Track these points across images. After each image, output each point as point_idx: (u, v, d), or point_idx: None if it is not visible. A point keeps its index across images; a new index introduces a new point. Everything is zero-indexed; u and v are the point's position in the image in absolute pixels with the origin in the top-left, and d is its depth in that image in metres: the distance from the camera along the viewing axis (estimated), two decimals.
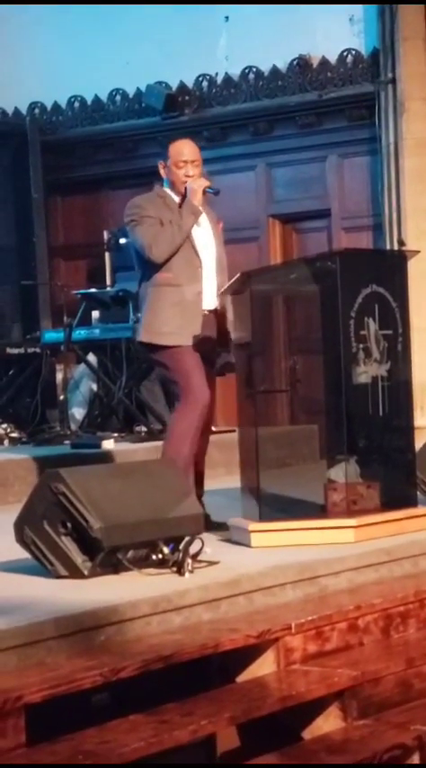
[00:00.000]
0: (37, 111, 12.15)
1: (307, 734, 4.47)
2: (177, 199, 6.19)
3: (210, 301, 6.20)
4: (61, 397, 9.78)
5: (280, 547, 5.50)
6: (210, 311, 6.19)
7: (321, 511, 5.84)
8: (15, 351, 9.81)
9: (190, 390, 6.09)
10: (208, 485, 6.79)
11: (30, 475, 7.61)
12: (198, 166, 6.23)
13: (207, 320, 6.16)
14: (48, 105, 12.14)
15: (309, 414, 7.84)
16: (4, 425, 9.43)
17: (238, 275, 5.78)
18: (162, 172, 6.28)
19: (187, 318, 6.10)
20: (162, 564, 5.03)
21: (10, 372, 9.73)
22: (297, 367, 7.56)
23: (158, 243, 6.08)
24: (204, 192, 6.17)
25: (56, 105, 12.13)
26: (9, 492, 7.45)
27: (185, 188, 6.15)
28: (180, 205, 6.14)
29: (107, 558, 4.94)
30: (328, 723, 4.46)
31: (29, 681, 3.90)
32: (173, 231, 6.08)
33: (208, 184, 6.20)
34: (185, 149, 6.25)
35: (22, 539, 5.06)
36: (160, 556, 5.05)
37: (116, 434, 9.09)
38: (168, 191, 6.25)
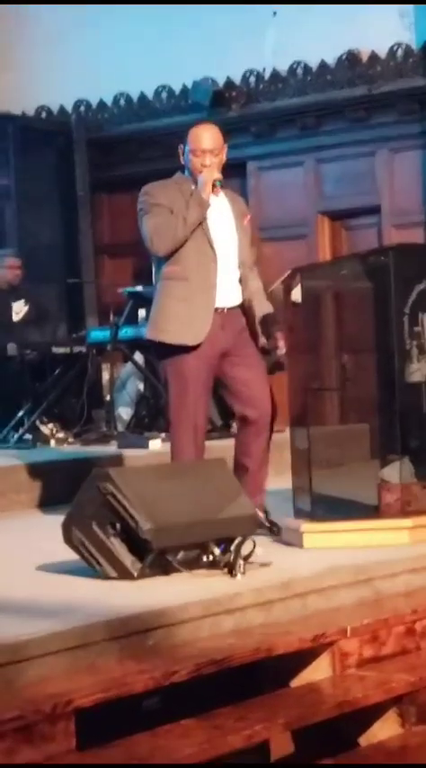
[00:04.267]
0: (82, 108, 12.09)
1: (364, 740, 4.36)
2: (192, 187, 5.85)
3: (227, 298, 5.87)
4: (107, 397, 9.70)
5: (333, 548, 5.39)
6: (229, 309, 5.88)
7: (374, 512, 5.72)
8: (61, 350, 9.71)
9: (176, 413, 5.83)
10: None
11: (76, 475, 7.51)
12: (217, 155, 5.85)
13: (225, 318, 5.85)
14: (94, 103, 12.09)
15: (361, 413, 7.71)
16: (50, 425, 9.36)
17: (288, 272, 5.65)
18: (181, 158, 5.92)
19: (194, 315, 5.78)
20: (213, 565, 4.92)
21: (56, 372, 9.64)
22: (348, 365, 7.42)
23: (160, 235, 5.77)
24: (214, 185, 5.82)
25: (101, 103, 12.07)
26: (55, 492, 7.37)
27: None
28: (191, 195, 5.81)
29: (157, 560, 4.84)
30: (385, 729, 4.35)
31: (79, 684, 3.81)
32: (177, 224, 5.74)
33: (218, 177, 5.83)
34: (205, 137, 5.86)
35: (70, 540, 4.97)
36: (211, 557, 4.94)
37: (163, 434, 8.98)
38: (187, 177, 5.90)
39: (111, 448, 8.71)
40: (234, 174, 10.37)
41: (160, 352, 5.98)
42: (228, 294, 5.89)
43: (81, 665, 3.97)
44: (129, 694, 3.84)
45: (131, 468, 5.46)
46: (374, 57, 10.70)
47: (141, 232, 5.90)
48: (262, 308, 5.97)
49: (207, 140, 5.86)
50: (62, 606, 4.36)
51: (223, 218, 5.95)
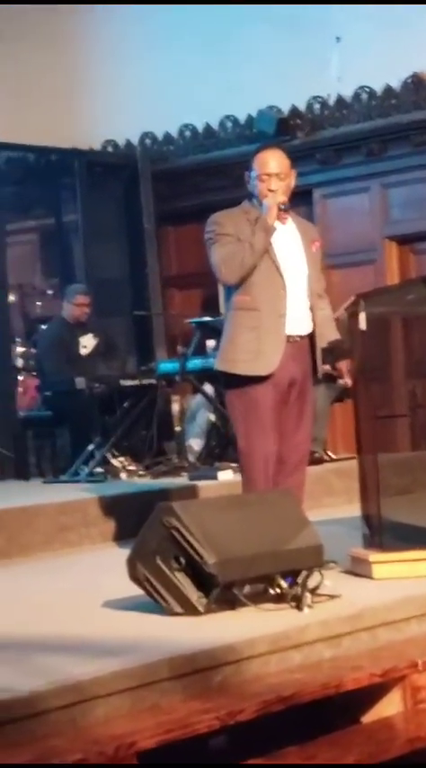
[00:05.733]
0: (148, 141, 12.10)
1: None
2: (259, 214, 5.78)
3: (298, 326, 5.80)
4: (178, 429, 9.65)
5: (404, 578, 5.27)
6: (301, 337, 5.82)
7: None
8: (130, 383, 9.67)
9: (246, 444, 5.77)
10: (328, 514, 6.60)
11: (146, 508, 7.45)
12: (283, 180, 5.78)
13: (295, 348, 5.79)
14: (159, 135, 12.09)
15: None
16: (121, 458, 9.33)
17: (352, 297, 5.57)
18: (247, 185, 5.86)
19: (265, 345, 5.70)
20: (280, 599, 4.84)
21: (125, 405, 9.62)
22: (418, 391, 7.30)
23: (228, 263, 5.71)
24: (279, 209, 5.75)
25: (167, 134, 12.07)
26: (125, 526, 7.32)
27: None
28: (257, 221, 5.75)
29: (223, 594, 4.76)
30: None
31: (142, 725, 3.74)
32: (245, 251, 5.68)
33: (283, 200, 5.76)
34: (270, 161, 5.79)
35: (135, 575, 4.92)
36: (278, 590, 4.86)
37: (234, 465, 8.90)
38: (254, 205, 5.83)
39: (182, 480, 8.65)
40: (300, 201, 10.26)
41: (229, 382, 5.90)
42: (299, 323, 5.82)
43: (145, 704, 3.90)
44: (193, 735, 3.75)
45: (196, 500, 5.40)
46: None
47: (210, 262, 5.85)
48: (329, 335, 5.89)
49: (272, 164, 5.79)
50: (126, 644, 4.30)
51: (291, 246, 5.88)
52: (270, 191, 5.76)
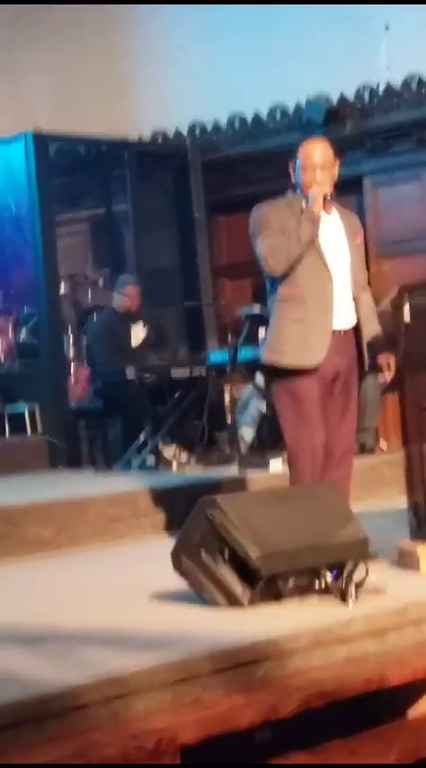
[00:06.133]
0: (197, 131, 12.08)
1: None
2: (304, 204, 5.75)
3: (343, 319, 5.78)
4: (229, 419, 9.64)
5: None
6: (346, 331, 5.79)
7: None
8: (181, 373, 9.68)
9: (293, 437, 5.74)
10: (377, 505, 6.56)
11: (196, 499, 7.45)
12: (327, 170, 5.75)
13: (340, 340, 5.76)
14: (209, 125, 12.06)
15: None
16: (173, 448, 9.34)
17: (396, 288, 5.53)
18: (292, 175, 5.82)
19: (312, 338, 5.68)
20: (325, 592, 4.82)
21: (176, 395, 9.63)
22: None
23: (274, 254, 5.66)
24: (325, 199, 5.71)
25: (216, 124, 12.04)
26: (176, 516, 7.32)
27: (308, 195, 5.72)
28: (302, 212, 5.72)
29: (267, 587, 4.76)
30: None
31: (184, 720, 3.74)
32: (290, 242, 5.64)
33: (328, 191, 5.73)
34: (316, 152, 5.75)
35: (180, 568, 4.93)
36: (323, 584, 4.84)
37: (285, 454, 8.89)
38: (298, 195, 5.80)
39: (233, 469, 8.64)
40: (350, 190, 10.25)
41: (275, 374, 5.88)
42: (344, 315, 5.79)
43: (186, 699, 3.90)
44: (235, 729, 3.75)
45: (240, 494, 5.40)
46: None
47: (255, 253, 5.82)
48: (372, 329, 5.86)
49: (317, 155, 5.76)
50: (167, 638, 4.30)
51: (336, 237, 5.85)
52: (315, 182, 5.72)
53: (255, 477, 8.11)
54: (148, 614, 4.83)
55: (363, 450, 9.16)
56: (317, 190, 5.72)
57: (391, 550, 5.58)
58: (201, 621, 4.58)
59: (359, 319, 5.83)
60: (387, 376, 5.83)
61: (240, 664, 4.09)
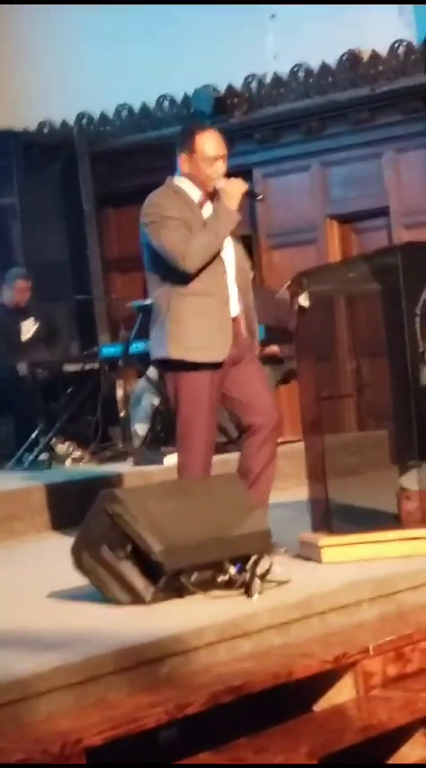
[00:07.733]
0: (84, 121, 11.95)
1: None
2: (195, 195, 5.60)
3: (234, 308, 5.67)
4: (122, 414, 9.53)
5: (354, 561, 5.19)
6: (235, 318, 5.66)
7: (395, 521, 5.52)
8: (73, 368, 9.55)
9: (190, 429, 5.61)
10: (277, 497, 6.50)
11: (91, 495, 7.34)
12: (224, 161, 5.62)
13: (233, 329, 5.64)
14: (96, 115, 11.94)
15: (378, 419, 7.53)
16: (66, 445, 9.22)
17: (293, 276, 5.47)
18: (184, 165, 5.62)
19: (218, 330, 5.58)
20: (229, 585, 4.75)
21: (68, 390, 9.49)
22: (363, 370, 7.24)
23: (192, 252, 5.48)
24: (243, 197, 5.62)
25: (103, 115, 11.93)
26: (71, 513, 7.20)
27: (214, 189, 5.58)
28: (201, 204, 5.59)
29: (170, 582, 4.67)
30: (414, 752, 4.16)
31: (88, 722, 3.64)
32: (209, 239, 5.51)
33: (246, 188, 5.64)
34: (218, 142, 5.60)
35: (80, 564, 4.82)
36: (226, 577, 4.77)
37: None
38: (182, 184, 5.64)
39: (128, 465, 8.55)
40: None
41: (173, 368, 5.73)
42: (234, 305, 5.70)
43: (90, 699, 3.80)
44: (142, 730, 3.65)
45: (140, 487, 5.30)
46: (375, 56, 10.48)
47: (155, 245, 5.59)
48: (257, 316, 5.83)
49: (220, 146, 5.62)
50: (71, 637, 4.20)
51: None
52: (219, 174, 5.58)
53: (150, 472, 8.02)
54: (49, 613, 4.72)
55: None
56: (234, 186, 5.58)
57: (292, 542, 5.53)
58: (104, 619, 4.49)
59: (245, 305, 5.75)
60: (291, 363, 5.78)
61: (144, 661, 4.00)
